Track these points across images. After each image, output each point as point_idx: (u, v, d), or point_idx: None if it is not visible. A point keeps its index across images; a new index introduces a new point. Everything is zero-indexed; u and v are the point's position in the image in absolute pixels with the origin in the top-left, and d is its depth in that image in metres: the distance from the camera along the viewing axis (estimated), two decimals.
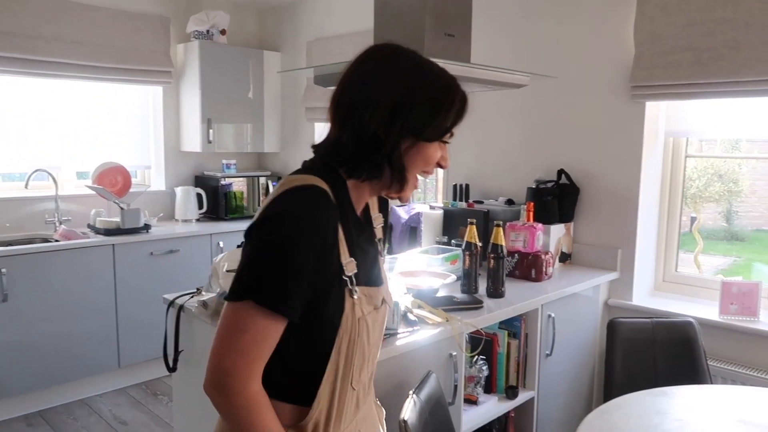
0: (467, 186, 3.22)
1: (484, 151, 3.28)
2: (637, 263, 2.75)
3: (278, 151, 4.53)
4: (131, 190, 3.86)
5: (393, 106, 0.99)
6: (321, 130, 4.23)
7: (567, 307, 2.51)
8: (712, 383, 2.18)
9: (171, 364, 1.98)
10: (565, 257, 2.88)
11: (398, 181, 1.04)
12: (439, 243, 2.97)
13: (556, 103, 2.94)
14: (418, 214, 3.44)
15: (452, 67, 2.13)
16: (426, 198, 4.34)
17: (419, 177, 1.09)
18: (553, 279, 2.60)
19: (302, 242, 0.94)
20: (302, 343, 1.01)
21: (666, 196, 2.84)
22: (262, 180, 4.35)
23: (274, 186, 4.31)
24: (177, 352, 1.98)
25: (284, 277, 0.94)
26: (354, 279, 1.03)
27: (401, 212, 3.59)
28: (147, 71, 3.93)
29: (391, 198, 1.12)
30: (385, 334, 1.77)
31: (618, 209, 2.76)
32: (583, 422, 1.61)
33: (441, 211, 3.07)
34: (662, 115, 2.72)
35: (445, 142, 1.08)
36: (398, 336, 1.80)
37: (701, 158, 3.28)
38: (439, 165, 1.09)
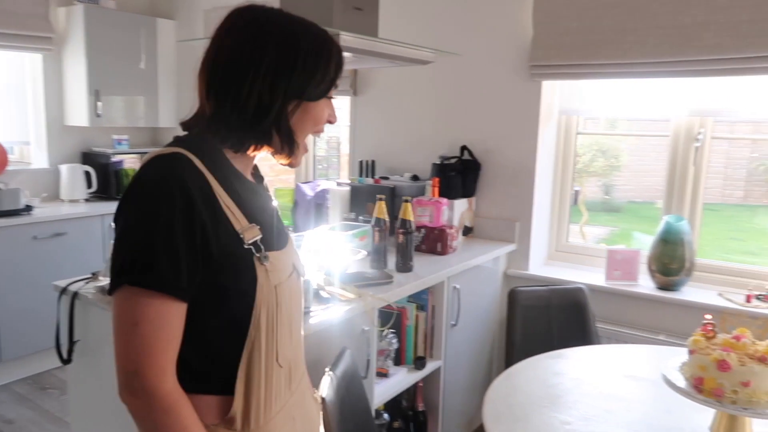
0: (373, 162, 3.25)
1: (389, 128, 3.30)
2: (533, 235, 2.91)
3: (175, 126, 4.30)
4: (8, 167, 3.51)
5: (273, 71, 0.95)
6: None
7: (470, 278, 2.62)
8: (599, 343, 2.37)
9: (65, 355, 1.84)
10: (467, 231, 2.99)
11: (288, 146, 1.01)
12: (347, 219, 2.97)
13: (460, 81, 3.01)
14: (324, 191, 3.42)
15: (360, 42, 2.13)
16: (329, 174, 4.32)
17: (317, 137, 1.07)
18: (457, 252, 2.69)
19: (168, 210, 0.86)
20: (216, 324, 0.94)
21: (559, 171, 3.02)
22: None
23: None
24: (72, 342, 1.84)
25: (159, 252, 0.86)
26: (261, 245, 0.96)
27: (307, 189, 3.55)
28: (23, 36, 3.55)
29: (281, 164, 1.05)
30: None
31: (516, 184, 2.90)
32: (491, 387, 1.70)
33: (348, 188, 3.06)
34: (557, 94, 2.88)
35: (330, 98, 1.05)
36: (311, 314, 1.79)
37: (587, 135, 3.51)
38: (329, 121, 1.06)
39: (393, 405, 2.41)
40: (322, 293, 1.94)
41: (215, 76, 0.97)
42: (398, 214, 2.32)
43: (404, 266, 2.30)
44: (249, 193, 1.01)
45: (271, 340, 0.98)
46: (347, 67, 2.98)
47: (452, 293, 2.49)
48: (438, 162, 2.91)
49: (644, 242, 2.80)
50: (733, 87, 2.45)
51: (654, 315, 2.60)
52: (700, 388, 1.40)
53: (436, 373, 2.50)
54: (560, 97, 2.88)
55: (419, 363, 2.38)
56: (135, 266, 0.86)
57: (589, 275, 2.79)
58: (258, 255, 0.95)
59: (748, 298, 2.42)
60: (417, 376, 2.37)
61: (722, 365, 1.35)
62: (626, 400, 1.63)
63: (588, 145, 4.27)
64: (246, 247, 0.94)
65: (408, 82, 3.18)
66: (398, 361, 2.37)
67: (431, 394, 2.54)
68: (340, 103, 3.84)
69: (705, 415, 1.48)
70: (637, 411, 1.58)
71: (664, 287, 2.60)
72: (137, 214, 0.88)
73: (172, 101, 4.25)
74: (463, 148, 2.97)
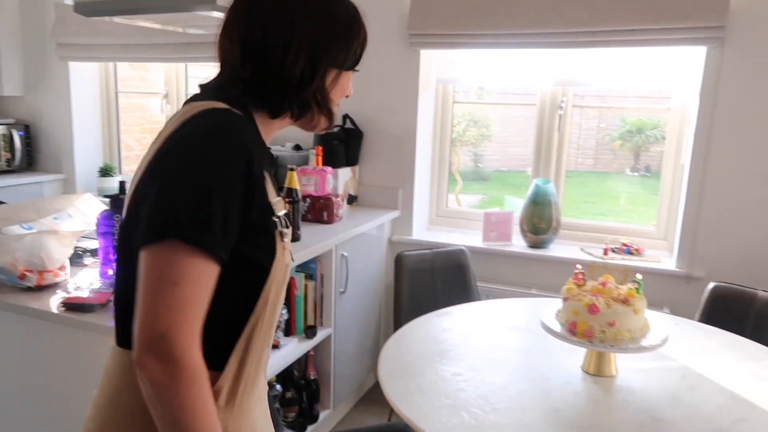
0: None
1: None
2: (416, 201, 3.00)
3: (22, 95, 3.84)
4: None
5: (317, 38, 0.93)
6: (79, 71, 3.69)
7: (357, 246, 2.64)
8: (480, 300, 2.51)
9: None
10: (352, 199, 3.00)
11: (326, 116, 1.00)
12: None
13: None
14: None
15: None
16: None
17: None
18: (343, 220, 2.70)
19: (228, 163, 0.81)
20: (227, 294, 0.86)
21: (438, 140, 3.12)
22: (2, 129, 3.66)
23: (21, 135, 3.68)
24: None
25: (217, 210, 0.79)
26: (284, 220, 0.93)
27: None
28: None
29: (312, 131, 1.04)
30: None
31: (398, 152, 2.96)
32: (384, 348, 1.73)
33: None
34: (435, 63, 2.95)
35: (356, 70, 1.04)
36: None
37: (462, 105, 3.66)
38: (348, 95, 1.06)
39: (285, 376, 2.39)
40: None
41: (253, 39, 0.92)
42: (283, 184, 2.28)
43: (292, 236, 2.26)
44: (270, 165, 0.97)
45: (272, 318, 0.94)
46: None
47: (340, 261, 2.50)
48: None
49: (516, 205, 3.00)
50: (592, 59, 2.67)
51: (527, 271, 2.80)
52: (574, 331, 1.53)
53: (326, 341, 2.51)
54: (438, 66, 2.96)
55: (310, 332, 2.38)
56: (191, 221, 0.78)
57: (468, 238, 2.93)
58: (280, 230, 0.91)
59: (605, 251, 2.68)
60: (308, 345, 2.37)
61: (592, 309, 1.49)
62: (509, 349, 1.75)
63: (461, 115, 4.46)
64: (274, 219, 0.90)
65: None
66: (288, 331, 2.35)
67: (322, 362, 2.55)
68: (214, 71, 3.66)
69: (577, 354, 1.63)
70: (518, 357, 1.70)
71: (534, 245, 2.81)
72: (198, 166, 0.80)
73: (16, 66, 3.78)
74: (345, 116, 2.96)
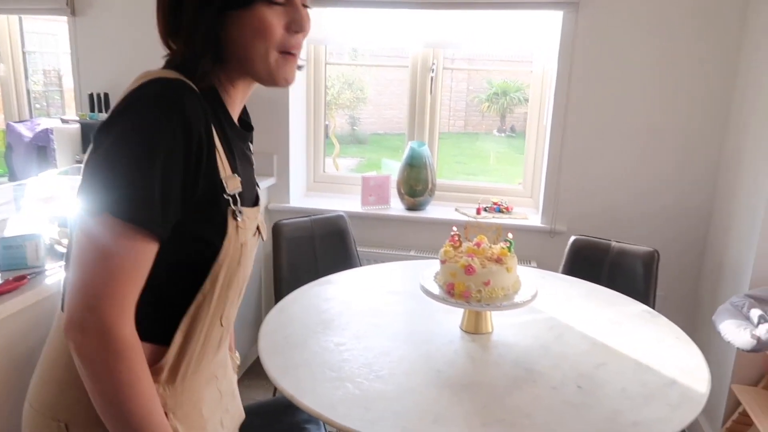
0: (106, 95, 2.84)
1: (122, 56, 2.90)
2: (291, 167, 2.90)
3: None
4: None
5: None
6: None
7: None
8: (361, 265, 2.51)
9: None
10: None
11: (244, 63, 0.87)
12: (79, 162, 2.58)
13: None
14: (47, 131, 2.91)
15: None
16: (51, 113, 3.68)
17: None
18: None
19: (169, 140, 0.76)
20: (171, 269, 0.84)
21: (312, 103, 3.02)
22: None
23: None
24: None
25: (153, 186, 0.76)
26: (238, 198, 0.88)
27: (23, 129, 2.98)
28: None
29: (267, 84, 0.91)
30: (29, 274, 1.49)
31: (270, 116, 2.83)
32: (264, 322, 1.67)
33: (78, 125, 2.64)
34: None
35: (274, 2, 0.85)
36: (47, 273, 1.52)
37: (335, 66, 3.58)
38: (294, 30, 0.88)
39: None
40: (58, 248, 1.66)
41: (163, 16, 0.90)
42: None
43: None
44: (235, 139, 0.92)
45: (222, 297, 0.91)
46: None
47: None
48: None
49: (393, 168, 3.01)
50: (461, 22, 2.70)
51: (406, 233, 2.84)
52: (452, 292, 1.56)
53: None
54: None
55: None
56: (124, 196, 0.75)
57: (347, 203, 2.91)
58: (234, 208, 0.87)
59: (478, 211, 2.79)
60: None
61: (468, 270, 1.53)
62: (391, 314, 1.76)
63: (335, 77, 4.37)
64: (225, 197, 0.86)
65: (138, 1, 2.81)
66: None
67: None
68: (55, 27, 3.24)
69: (456, 315, 1.68)
70: (400, 321, 1.71)
71: (412, 208, 2.85)
72: (134, 138, 0.76)
73: None
74: None
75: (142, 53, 2.89)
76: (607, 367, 1.47)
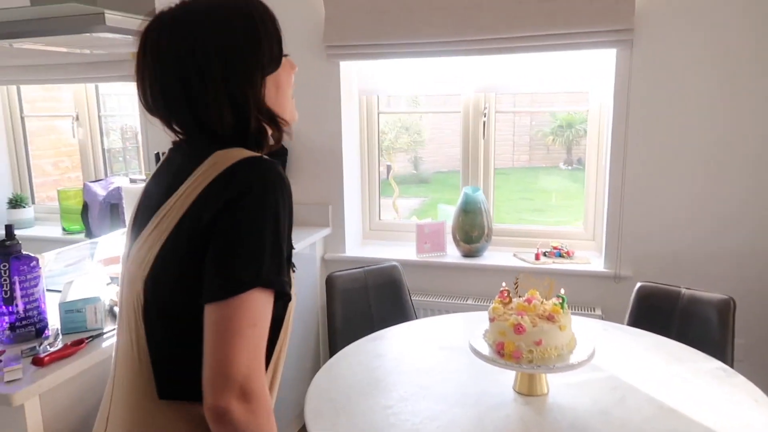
0: None
1: None
2: (347, 216, 2.93)
3: None
4: None
5: (228, 77, 0.90)
6: None
7: None
8: (417, 317, 2.47)
9: None
10: None
11: (275, 126, 0.97)
12: None
13: None
14: (119, 189, 3.09)
15: (135, 22, 1.91)
16: (129, 170, 3.92)
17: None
18: None
19: (285, 210, 0.86)
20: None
21: (365, 151, 3.05)
22: None
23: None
24: None
25: (282, 254, 0.86)
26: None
27: (97, 188, 3.17)
28: None
29: (278, 145, 1.02)
30: (87, 338, 1.55)
31: (325, 167, 2.88)
32: (312, 383, 1.66)
33: (144, 184, 2.78)
34: (356, 74, 2.88)
35: (285, 55, 1.00)
36: (105, 336, 1.58)
37: (391, 114, 3.62)
38: (293, 74, 1.03)
39: None
40: (117, 309, 1.73)
41: (177, 95, 0.92)
42: None
43: None
44: None
45: (285, 343, 0.98)
46: (126, 50, 2.68)
47: None
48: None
49: (449, 214, 2.97)
50: (510, 64, 2.67)
51: (463, 281, 2.77)
52: (501, 352, 1.49)
53: None
54: (360, 76, 2.89)
55: None
56: (264, 266, 0.83)
57: (403, 250, 2.89)
58: (292, 260, 0.95)
59: (537, 256, 2.69)
60: None
61: (518, 329, 1.46)
62: (441, 373, 1.70)
63: (392, 123, 4.43)
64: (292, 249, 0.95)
65: None
66: None
67: None
68: (131, 88, 3.46)
69: (509, 374, 1.60)
70: (450, 382, 1.65)
71: (468, 254, 2.79)
72: (265, 218, 0.84)
73: None
74: None
75: None
76: None
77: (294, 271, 0.96)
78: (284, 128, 0.98)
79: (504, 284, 1.64)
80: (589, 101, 2.74)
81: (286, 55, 1.00)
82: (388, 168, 4.77)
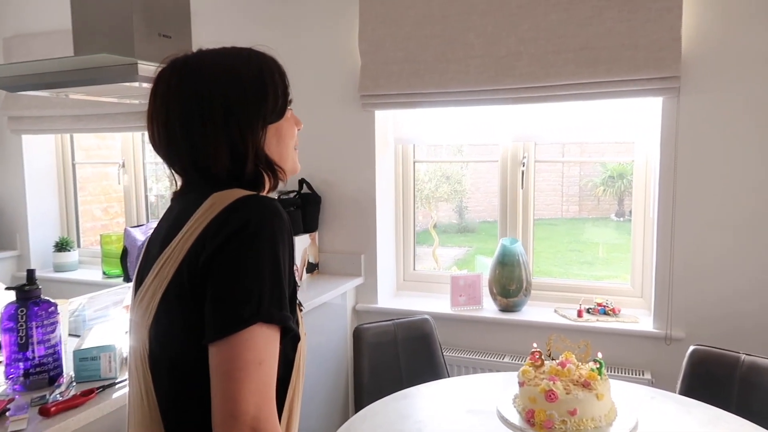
0: None
1: None
2: (379, 266, 2.85)
3: None
4: None
5: (233, 124, 0.92)
6: (33, 143, 3.59)
7: (318, 316, 2.48)
8: (448, 374, 2.33)
9: None
10: (312, 267, 2.85)
11: (270, 174, 0.98)
12: None
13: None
14: None
15: None
16: (160, 212, 3.98)
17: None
18: (302, 290, 2.54)
19: (283, 246, 0.86)
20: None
21: (400, 200, 3.00)
22: None
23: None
24: None
25: (284, 289, 0.85)
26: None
27: (137, 234, 3.21)
28: None
29: (284, 180, 1.03)
30: (98, 387, 1.51)
31: (358, 215, 2.83)
32: None
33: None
34: (390, 123, 2.86)
35: (290, 106, 1.03)
36: (117, 386, 1.53)
37: (430, 163, 3.57)
38: (298, 128, 1.06)
39: None
40: None
41: (175, 137, 0.94)
42: None
43: None
44: None
45: (299, 382, 0.96)
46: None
47: None
48: (276, 197, 2.76)
49: (486, 265, 2.85)
50: (551, 113, 2.59)
51: (499, 337, 2.63)
52: (532, 421, 1.36)
53: None
54: (395, 125, 2.87)
55: None
56: (265, 301, 0.82)
57: (437, 303, 2.77)
58: (298, 300, 0.95)
59: (579, 313, 2.53)
60: None
61: (549, 396, 1.33)
62: None
63: (432, 172, 4.37)
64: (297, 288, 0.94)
65: None
66: None
67: None
68: None
69: None
70: None
71: (506, 309, 2.65)
72: (265, 246, 0.84)
73: None
74: (302, 181, 2.84)
75: None
76: None
77: (301, 310, 0.95)
78: (281, 177, 1.00)
79: (535, 345, 1.52)
80: (634, 152, 2.61)
81: (290, 109, 1.03)
82: (431, 218, 4.71)
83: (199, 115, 0.91)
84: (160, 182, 4.05)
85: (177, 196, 1.00)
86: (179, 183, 1.00)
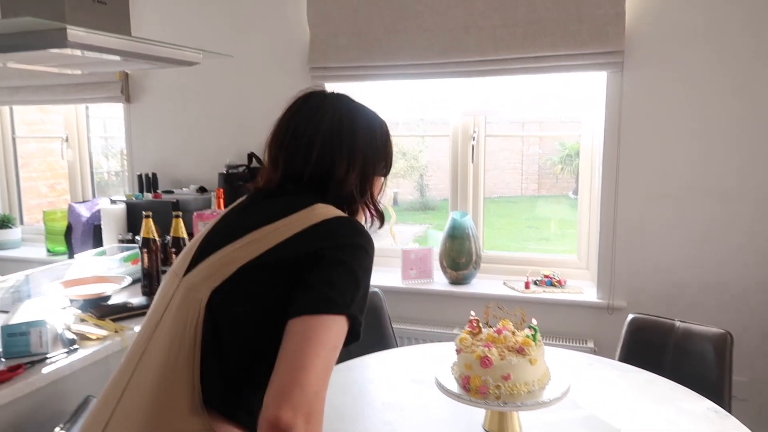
0: (154, 175, 2.93)
1: (170, 138, 3.01)
2: None
3: None
4: None
5: (365, 161, 1.11)
6: None
7: None
8: (397, 345, 2.35)
9: None
10: None
11: (377, 217, 1.17)
12: (122, 241, 2.63)
13: (242, 86, 2.83)
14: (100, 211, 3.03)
15: (106, 39, 1.86)
16: (109, 189, 3.86)
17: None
18: None
19: (372, 261, 1.01)
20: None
21: None
22: None
23: None
24: None
25: (366, 298, 0.97)
26: None
27: (82, 210, 3.12)
28: None
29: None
30: (27, 363, 1.46)
31: None
32: None
33: (123, 206, 2.72)
34: None
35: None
36: (47, 361, 1.49)
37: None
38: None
39: None
40: (68, 333, 1.64)
41: (323, 158, 1.08)
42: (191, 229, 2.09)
43: (149, 289, 2.06)
44: None
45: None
46: (114, 69, 2.65)
47: None
48: (224, 172, 2.70)
49: (439, 240, 2.86)
50: (501, 87, 2.59)
51: (449, 309, 2.65)
52: (468, 387, 1.38)
53: None
54: None
55: None
56: (357, 305, 0.93)
57: (388, 277, 2.78)
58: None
59: (527, 285, 2.57)
60: None
61: (484, 362, 1.35)
62: (406, 408, 1.58)
63: None
64: None
65: (186, 87, 2.93)
66: None
67: None
68: (119, 111, 3.43)
69: (479, 412, 1.47)
70: (415, 418, 1.53)
71: (455, 282, 2.68)
72: (366, 266, 0.98)
73: None
74: (251, 155, 2.79)
75: (188, 134, 2.98)
76: None
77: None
78: (377, 218, 1.18)
79: (473, 313, 1.53)
80: (581, 127, 2.65)
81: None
82: (395, 195, 4.69)
83: (344, 147, 1.09)
84: (113, 159, 3.93)
85: (263, 192, 1.11)
86: (264, 182, 1.12)
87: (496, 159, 5.36)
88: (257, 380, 0.88)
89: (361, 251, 0.98)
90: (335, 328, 0.88)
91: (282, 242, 0.96)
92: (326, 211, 1.01)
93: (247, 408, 0.93)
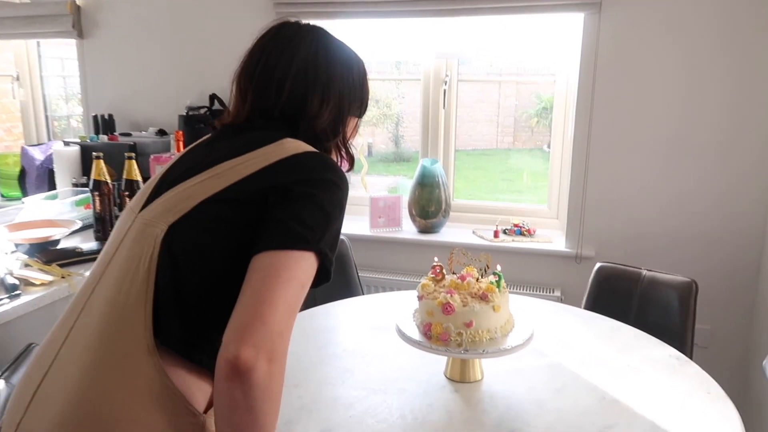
0: (111, 116, 2.79)
1: (128, 77, 2.85)
2: None
3: None
4: None
5: (341, 99, 1.06)
6: None
7: None
8: (363, 293, 2.31)
9: None
10: None
11: (347, 160, 1.12)
12: (76, 185, 2.51)
13: (204, 23, 2.67)
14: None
15: None
16: (68, 133, 3.69)
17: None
18: None
19: (346, 196, 0.96)
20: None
21: None
22: None
23: None
24: None
25: (337, 236, 0.92)
26: None
27: (36, 153, 2.97)
28: None
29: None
30: None
31: None
32: None
33: (77, 148, 2.58)
34: None
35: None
36: None
37: None
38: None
39: None
40: (9, 278, 1.55)
41: (294, 93, 1.02)
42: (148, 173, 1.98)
43: (103, 233, 1.97)
44: None
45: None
46: None
47: None
48: (184, 113, 2.57)
49: (408, 188, 2.80)
50: (474, 30, 2.48)
51: (417, 258, 2.62)
52: (429, 334, 1.34)
53: None
54: None
55: None
56: (327, 242, 0.87)
57: (356, 225, 2.72)
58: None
59: (496, 234, 2.54)
60: None
61: (446, 308, 1.30)
62: (369, 356, 1.54)
63: None
64: None
65: (144, 23, 2.75)
66: None
67: None
68: (73, 50, 3.24)
69: (441, 359, 1.44)
70: (376, 366, 1.49)
71: (424, 230, 2.63)
72: (339, 203, 0.92)
73: None
74: (213, 96, 2.66)
75: (147, 74, 2.82)
76: (614, 431, 1.21)
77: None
78: (346, 161, 1.12)
79: (437, 259, 1.48)
80: (555, 75, 2.57)
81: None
82: (369, 146, 4.60)
83: (319, 82, 1.03)
84: (70, 102, 3.73)
85: (230, 128, 1.05)
86: (231, 116, 1.07)
87: (473, 111, 5.25)
88: (218, 322, 0.81)
89: (333, 186, 0.92)
90: (304, 264, 0.83)
91: (247, 177, 0.90)
92: (296, 145, 0.96)
93: (209, 352, 0.86)
